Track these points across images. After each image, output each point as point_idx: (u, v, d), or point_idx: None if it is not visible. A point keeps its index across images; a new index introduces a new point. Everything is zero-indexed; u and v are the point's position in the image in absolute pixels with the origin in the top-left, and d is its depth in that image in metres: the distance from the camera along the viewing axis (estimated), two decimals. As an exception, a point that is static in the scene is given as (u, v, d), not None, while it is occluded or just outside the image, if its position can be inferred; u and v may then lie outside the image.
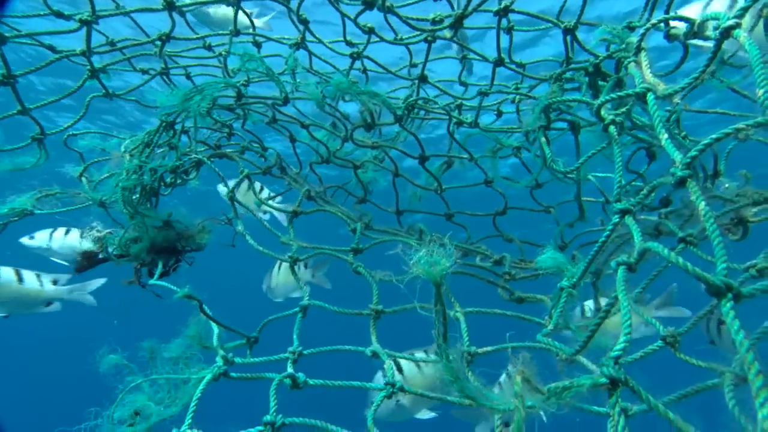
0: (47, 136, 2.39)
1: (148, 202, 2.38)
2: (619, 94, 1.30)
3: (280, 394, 1.36)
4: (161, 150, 2.55)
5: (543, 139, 1.75)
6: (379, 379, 1.84)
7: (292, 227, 2.41)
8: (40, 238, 2.91)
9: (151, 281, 2.11)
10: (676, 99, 1.50)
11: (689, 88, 1.21)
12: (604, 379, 0.89)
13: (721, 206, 1.89)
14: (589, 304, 2.59)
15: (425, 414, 2.24)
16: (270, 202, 2.88)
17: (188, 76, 2.85)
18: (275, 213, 3.22)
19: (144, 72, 2.76)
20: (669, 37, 1.55)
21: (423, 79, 2.40)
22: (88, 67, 2.28)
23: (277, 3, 2.16)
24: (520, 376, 0.84)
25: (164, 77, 2.69)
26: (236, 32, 2.46)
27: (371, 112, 2.35)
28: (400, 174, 2.72)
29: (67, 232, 2.88)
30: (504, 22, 2.01)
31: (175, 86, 2.80)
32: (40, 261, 2.86)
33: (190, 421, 1.23)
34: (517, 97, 2.55)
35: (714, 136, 0.98)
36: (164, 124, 2.32)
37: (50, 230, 2.91)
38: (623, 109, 1.46)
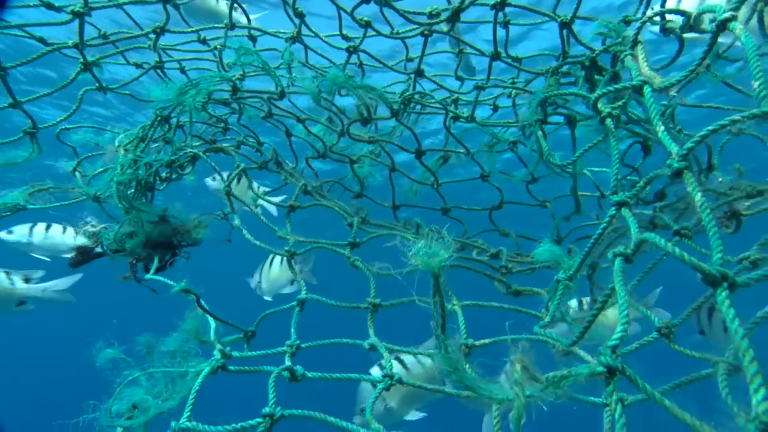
0: (39, 129, 2.36)
1: (144, 197, 2.36)
2: (616, 86, 1.31)
3: (279, 391, 1.36)
4: (156, 145, 2.53)
5: (540, 133, 1.75)
6: (375, 372, 1.84)
7: (289, 222, 2.41)
8: (19, 232, 2.80)
9: (147, 276, 2.10)
10: (672, 92, 1.51)
11: (685, 81, 1.22)
12: (601, 368, 0.90)
13: (714, 200, 1.91)
14: (588, 299, 2.61)
15: (414, 415, 2.24)
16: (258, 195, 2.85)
17: (183, 70, 2.83)
18: (267, 206, 3.20)
19: (138, 66, 2.74)
20: (665, 30, 1.55)
21: (419, 73, 2.39)
22: (81, 60, 2.25)
23: (273, -4, 2.15)
24: (519, 364, 0.85)
25: (158, 71, 2.66)
26: (231, 26, 2.44)
27: (368, 107, 2.35)
28: (397, 168, 2.72)
29: (48, 227, 2.81)
30: (500, 15, 2.01)
31: (169, 80, 2.78)
32: (20, 257, 2.77)
33: (188, 413, 1.23)
34: (513, 91, 2.56)
35: (710, 127, 0.99)
36: (159, 118, 2.30)
37: (30, 225, 2.83)
38: (620, 103, 1.47)
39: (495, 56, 2.17)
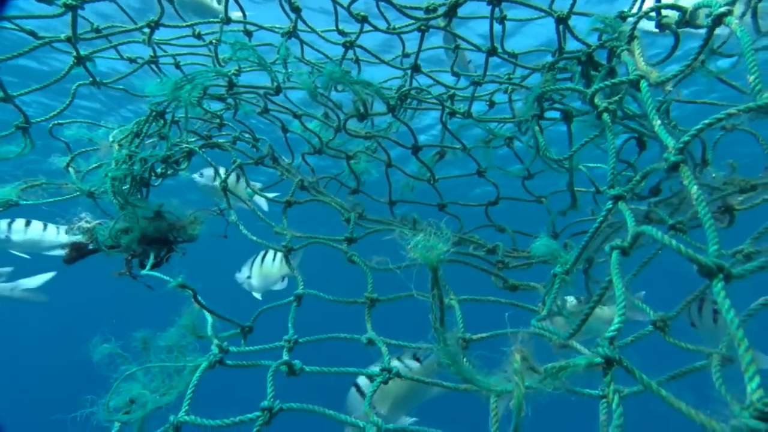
0: (32, 124, 2.34)
1: (139, 193, 2.35)
2: (612, 81, 1.32)
3: (277, 386, 1.36)
4: (151, 140, 2.51)
5: (536, 128, 1.76)
6: (365, 382, 1.83)
7: (285, 217, 2.41)
8: None
9: (143, 272, 2.09)
10: (669, 86, 1.52)
11: (681, 76, 1.22)
12: (599, 359, 0.91)
13: (708, 194, 1.93)
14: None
15: (404, 421, 2.23)
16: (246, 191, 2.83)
17: (177, 65, 2.81)
18: (258, 201, 3.17)
19: (131, 60, 2.71)
20: (661, 26, 1.56)
21: (416, 68, 2.39)
22: (74, 54, 2.23)
23: (269, -10, 2.14)
24: (518, 355, 0.85)
25: (152, 66, 2.64)
26: (227, 20, 2.42)
27: (364, 102, 2.34)
28: (393, 164, 2.72)
29: (28, 224, 2.74)
30: (496, 11, 2.01)
31: (164, 75, 2.76)
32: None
33: (187, 407, 1.23)
34: (509, 87, 2.56)
35: (706, 121, 1.00)
36: (154, 113, 2.29)
37: (8, 220, 2.76)
38: (616, 98, 1.48)
39: (491, 52, 2.17)
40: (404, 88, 2.44)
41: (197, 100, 2.15)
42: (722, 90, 2.04)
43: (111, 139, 2.49)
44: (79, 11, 2.10)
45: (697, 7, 1.31)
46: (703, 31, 1.16)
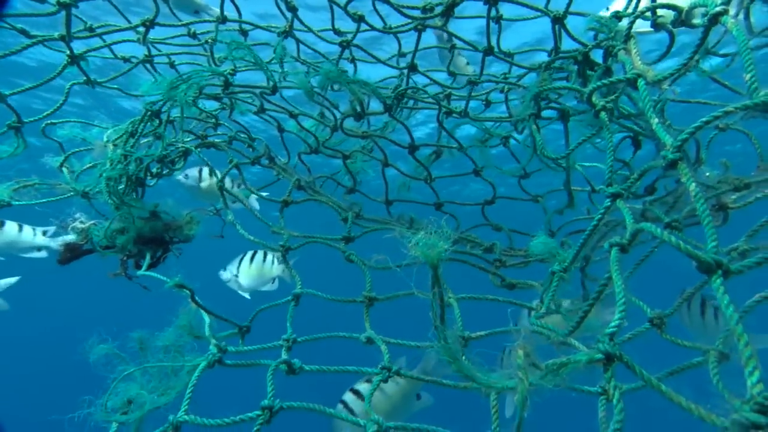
0: (25, 124, 2.31)
1: (134, 193, 2.33)
2: (610, 80, 1.33)
3: (276, 385, 1.35)
4: (146, 140, 2.50)
5: (534, 127, 1.77)
6: (351, 398, 1.81)
7: (282, 217, 2.40)
8: None
9: (140, 272, 2.07)
10: (665, 85, 1.54)
11: (678, 75, 1.24)
12: (600, 355, 0.91)
13: (703, 192, 1.94)
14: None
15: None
16: (236, 191, 2.80)
17: (172, 65, 2.79)
18: (251, 201, 3.14)
19: (126, 60, 2.69)
20: (656, 25, 1.58)
21: (413, 68, 2.40)
22: (68, 53, 2.21)
23: (266, -11, 2.13)
24: (521, 350, 0.86)
25: (147, 65, 2.63)
26: (223, 19, 2.41)
27: (361, 102, 2.34)
28: (390, 164, 2.72)
29: (1, 225, 2.66)
30: (492, 11, 2.02)
31: (159, 74, 2.74)
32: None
33: (186, 407, 1.23)
34: (506, 86, 2.57)
35: (704, 119, 1.01)
36: (149, 113, 2.27)
37: None
38: (612, 97, 1.49)
39: (488, 51, 2.18)
40: (401, 88, 2.44)
41: (193, 100, 2.13)
42: (714, 89, 2.06)
43: (105, 138, 2.47)
44: (72, 9, 2.08)
45: (692, 7, 1.33)
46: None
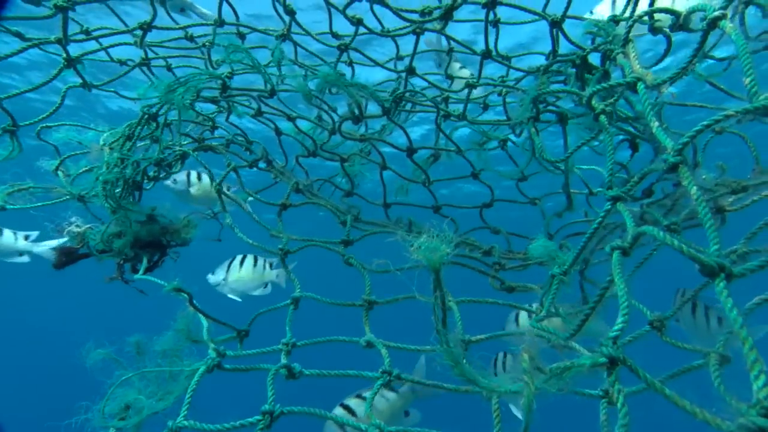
0: (20, 127, 2.29)
1: (131, 196, 2.32)
2: (610, 83, 1.33)
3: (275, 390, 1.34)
4: (143, 143, 2.48)
5: (533, 130, 1.77)
6: (339, 412, 1.78)
7: (280, 220, 2.39)
8: None
9: (137, 276, 2.06)
10: (664, 89, 1.54)
11: (677, 78, 1.24)
12: (603, 359, 0.91)
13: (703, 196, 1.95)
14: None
15: None
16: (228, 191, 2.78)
17: (169, 68, 2.78)
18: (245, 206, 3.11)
19: (122, 63, 2.68)
20: (653, 30, 1.59)
21: (411, 71, 2.40)
22: (64, 56, 2.19)
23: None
24: (527, 354, 0.85)
25: (144, 69, 2.61)
26: (221, 23, 2.41)
27: (359, 105, 2.34)
28: (388, 167, 2.72)
29: None
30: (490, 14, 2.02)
31: (156, 77, 2.73)
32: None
33: (185, 412, 1.21)
34: (504, 90, 2.58)
35: (704, 122, 1.02)
36: (146, 116, 2.26)
37: None
38: (611, 100, 1.49)
39: (486, 54, 2.18)
40: (399, 91, 2.45)
41: (190, 103, 2.12)
42: (707, 93, 2.08)
43: (102, 142, 2.45)
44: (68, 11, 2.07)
45: (691, 11, 1.34)
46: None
